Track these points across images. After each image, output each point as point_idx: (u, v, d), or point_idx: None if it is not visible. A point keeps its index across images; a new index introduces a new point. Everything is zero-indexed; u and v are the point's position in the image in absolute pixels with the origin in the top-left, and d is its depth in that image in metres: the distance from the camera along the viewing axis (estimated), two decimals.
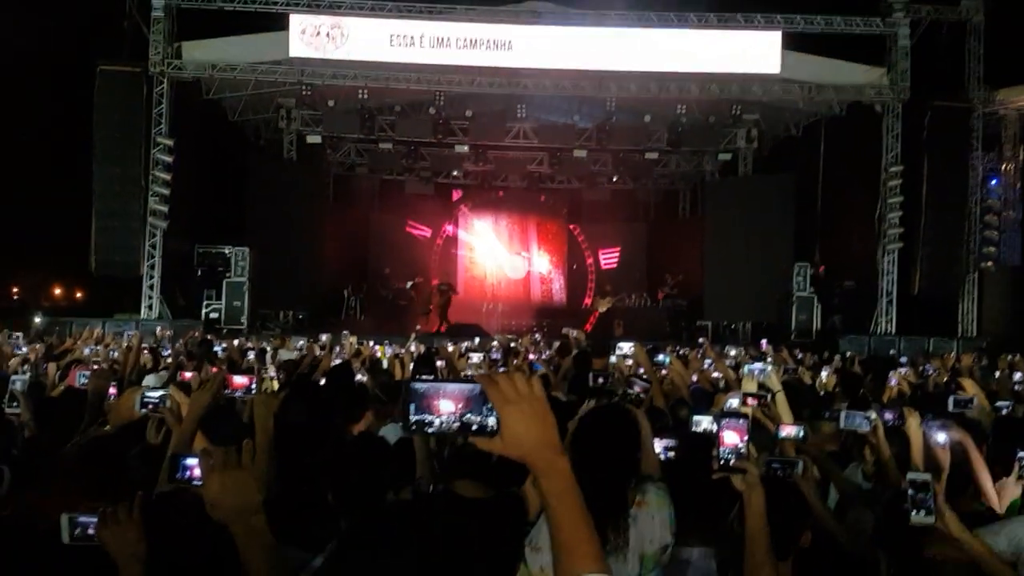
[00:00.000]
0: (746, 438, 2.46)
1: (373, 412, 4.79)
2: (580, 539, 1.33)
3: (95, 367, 5.21)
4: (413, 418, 1.30)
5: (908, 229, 17.53)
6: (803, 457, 3.20)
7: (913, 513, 2.45)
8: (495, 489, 2.68)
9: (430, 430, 1.31)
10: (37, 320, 16.79)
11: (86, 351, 8.59)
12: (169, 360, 7.59)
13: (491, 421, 1.31)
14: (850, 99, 18.07)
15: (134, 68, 16.68)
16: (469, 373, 7.21)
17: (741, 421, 2.48)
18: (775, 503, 2.44)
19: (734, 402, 4.24)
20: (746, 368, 4.43)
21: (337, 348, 10.23)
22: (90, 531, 2.12)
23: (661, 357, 6.41)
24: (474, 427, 1.30)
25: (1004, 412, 4.95)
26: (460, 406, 1.31)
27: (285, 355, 9.88)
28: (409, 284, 20.97)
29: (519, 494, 2.71)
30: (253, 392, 3.67)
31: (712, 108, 19.25)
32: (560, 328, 13.65)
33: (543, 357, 8.96)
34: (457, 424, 1.30)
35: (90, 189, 16.63)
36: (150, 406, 3.22)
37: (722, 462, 2.42)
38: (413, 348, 10.92)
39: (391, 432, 4.39)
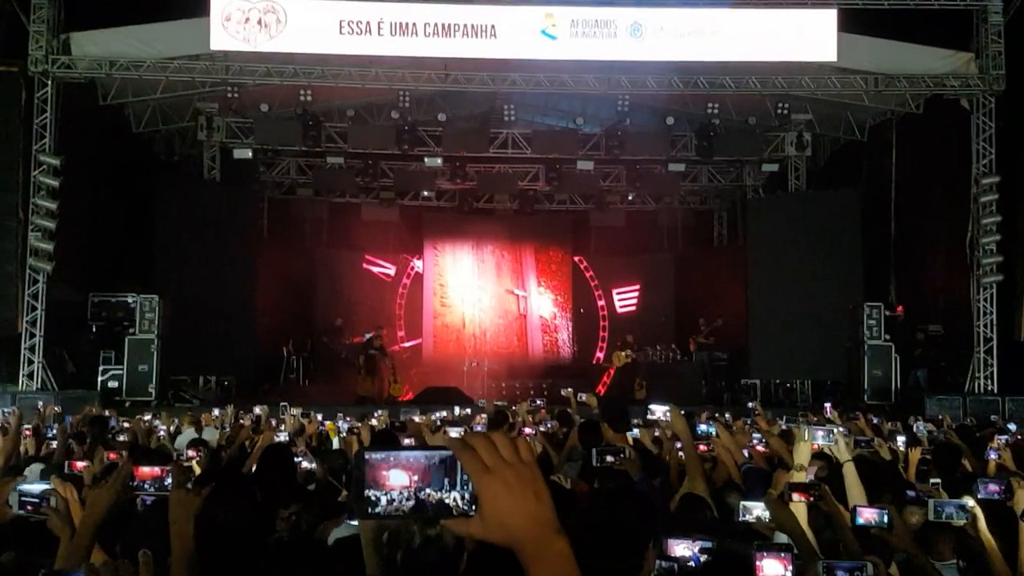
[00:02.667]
0: (790, 569, 2.52)
1: (320, 507, 4.78)
2: None
3: None
4: (366, 493, 1.30)
5: (1009, 257, 17.61)
6: (872, 559, 3.20)
7: None
8: None
9: (376, 510, 1.30)
10: None
11: None
12: (55, 445, 7.53)
13: (454, 495, 1.31)
14: (928, 92, 18.25)
15: (9, 67, 16.81)
16: None
17: (784, 553, 2.56)
18: None
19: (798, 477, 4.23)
20: (804, 432, 4.38)
21: (273, 423, 10.19)
22: None
23: (703, 427, 6.41)
24: (430, 506, 1.31)
25: None
26: (416, 478, 1.31)
27: (206, 434, 9.82)
28: (368, 337, 20.94)
29: None
30: (167, 485, 3.65)
31: (753, 107, 19.47)
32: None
33: (543, 430, 8.94)
34: (411, 503, 1.30)
35: None
36: (29, 507, 3.19)
37: None
38: (375, 422, 10.89)
39: (346, 532, 4.38)
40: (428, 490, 1.31)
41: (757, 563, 2.61)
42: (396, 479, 1.30)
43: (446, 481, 1.31)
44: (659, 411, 5.73)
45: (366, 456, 1.31)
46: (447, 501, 1.31)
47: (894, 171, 19.30)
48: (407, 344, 23.87)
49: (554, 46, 17.37)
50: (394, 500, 1.30)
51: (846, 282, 18.83)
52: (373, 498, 1.30)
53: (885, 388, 17.49)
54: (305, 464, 6.77)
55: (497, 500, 1.32)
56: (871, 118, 20.10)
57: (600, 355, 23.99)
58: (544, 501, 1.35)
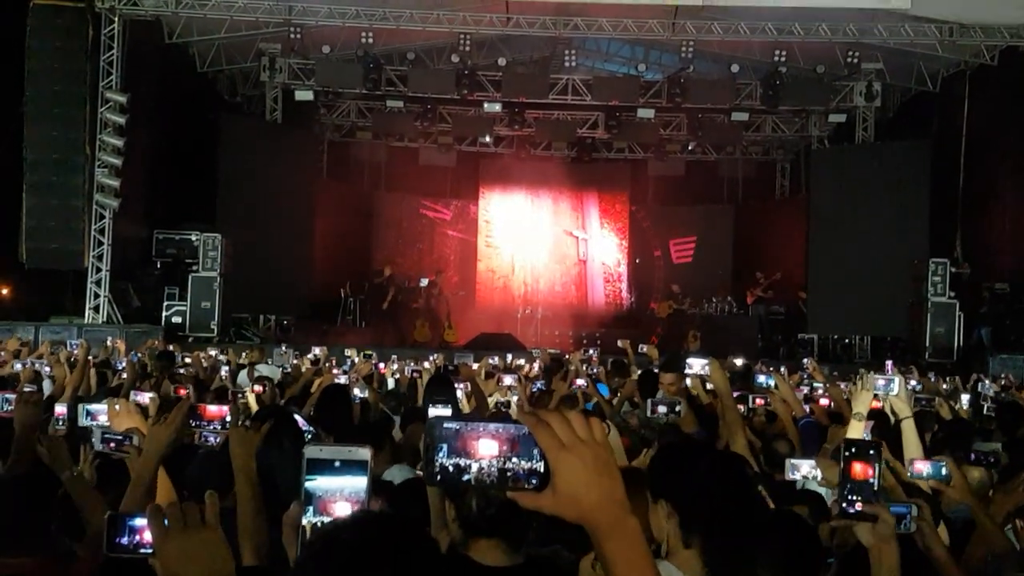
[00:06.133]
0: (877, 472, 2.46)
1: (377, 449, 4.86)
2: None
3: (26, 389, 5.26)
4: (445, 462, 1.33)
5: None
6: (917, 501, 3.14)
7: None
8: (522, 554, 2.68)
9: (466, 477, 1.33)
10: None
11: (17, 366, 8.72)
12: (124, 378, 7.67)
13: (541, 467, 1.35)
14: (1004, 43, 17.79)
15: (76, 3, 16.94)
16: (501, 400, 7.22)
17: (872, 452, 2.48)
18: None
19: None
20: (866, 379, 4.24)
21: (331, 364, 10.36)
22: None
23: (762, 379, 6.31)
24: (520, 475, 1.34)
25: None
26: (505, 448, 1.34)
27: (266, 370, 10.03)
28: (425, 282, 21.13)
29: (554, 560, 2.71)
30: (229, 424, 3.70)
31: (821, 55, 19.05)
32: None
33: (593, 380, 8.91)
34: (497, 471, 1.33)
35: (20, 157, 16.91)
36: (112, 444, 3.22)
37: (844, 504, 2.41)
38: (428, 364, 11.00)
39: (398, 475, 4.45)
40: (516, 459, 1.34)
41: (851, 464, 2.48)
42: (486, 448, 1.34)
43: (535, 452, 1.34)
44: (697, 365, 5.42)
45: (447, 425, 1.34)
46: (538, 469, 1.34)
47: (965, 124, 18.84)
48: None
49: None
50: (484, 469, 1.33)
51: (911, 237, 18.51)
52: (463, 465, 1.33)
53: (948, 346, 17.29)
54: (357, 392, 6.92)
55: (572, 477, 1.35)
56: (944, 69, 19.58)
57: (655, 306, 23.86)
58: (616, 480, 1.39)
